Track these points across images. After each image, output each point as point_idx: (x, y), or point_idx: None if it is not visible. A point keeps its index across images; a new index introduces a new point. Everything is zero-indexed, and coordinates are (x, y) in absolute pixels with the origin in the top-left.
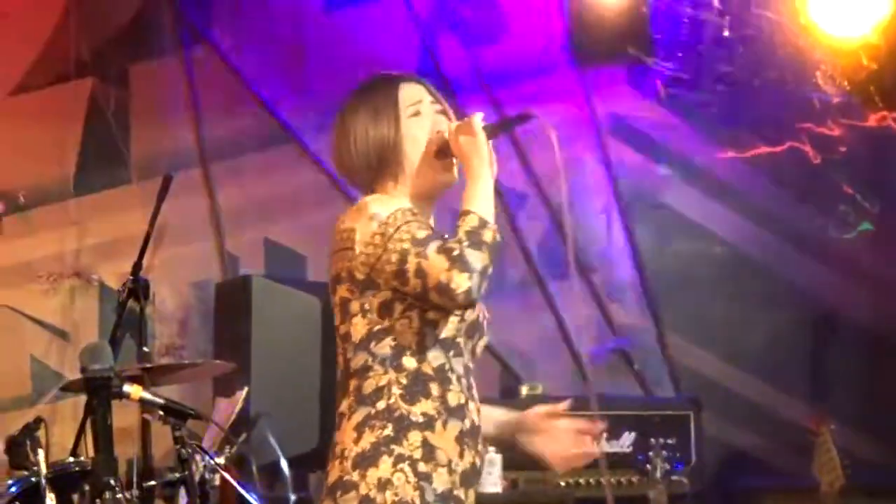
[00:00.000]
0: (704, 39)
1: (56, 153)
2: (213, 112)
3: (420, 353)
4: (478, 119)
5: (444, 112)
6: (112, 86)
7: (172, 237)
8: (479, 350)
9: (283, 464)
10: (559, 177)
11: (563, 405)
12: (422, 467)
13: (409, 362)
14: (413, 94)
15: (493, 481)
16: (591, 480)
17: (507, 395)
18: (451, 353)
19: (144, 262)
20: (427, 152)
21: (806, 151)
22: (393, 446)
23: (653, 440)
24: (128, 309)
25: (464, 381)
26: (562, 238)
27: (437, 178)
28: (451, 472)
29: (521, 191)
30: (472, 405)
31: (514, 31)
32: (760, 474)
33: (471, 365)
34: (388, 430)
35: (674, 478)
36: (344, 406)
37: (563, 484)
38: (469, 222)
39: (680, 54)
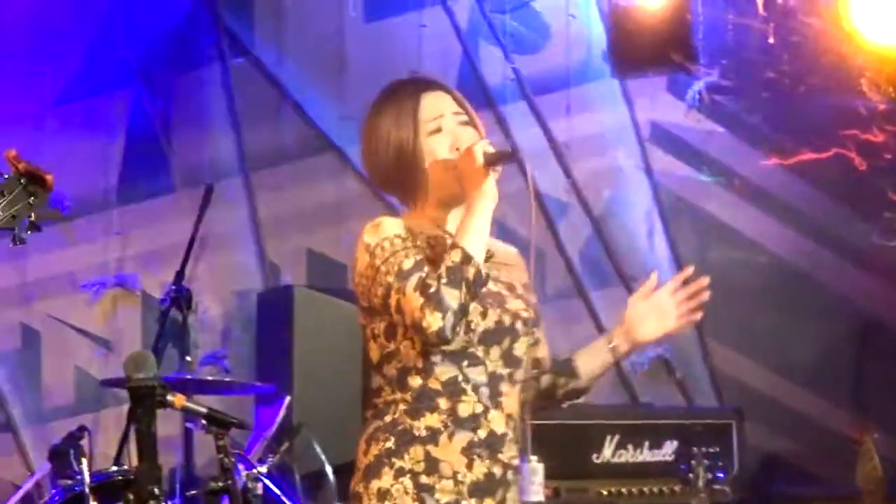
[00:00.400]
0: (749, 46)
1: (99, 163)
2: (254, 122)
3: (426, 370)
4: (479, 148)
5: (469, 122)
6: (154, 96)
7: (214, 246)
8: (519, 351)
9: (329, 471)
10: (532, 214)
11: (651, 280)
12: (423, 479)
13: (415, 381)
14: (435, 107)
15: (535, 490)
16: (634, 490)
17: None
18: (465, 363)
19: (187, 271)
20: (448, 166)
21: (851, 158)
22: (394, 459)
23: (695, 449)
24: (170, 318)
25: (484, 389)
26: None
27: (459, 191)
28: (456, 483)
29: (562, 199)
30: (493, 413)
31: (554, 40)
32: (803, 483)
33: (503, 371)
34: (390, 444)
35: (716, 486)
36: (367, 416)
37: (604, 493)
38: (453, 257)
39: (724, 61)
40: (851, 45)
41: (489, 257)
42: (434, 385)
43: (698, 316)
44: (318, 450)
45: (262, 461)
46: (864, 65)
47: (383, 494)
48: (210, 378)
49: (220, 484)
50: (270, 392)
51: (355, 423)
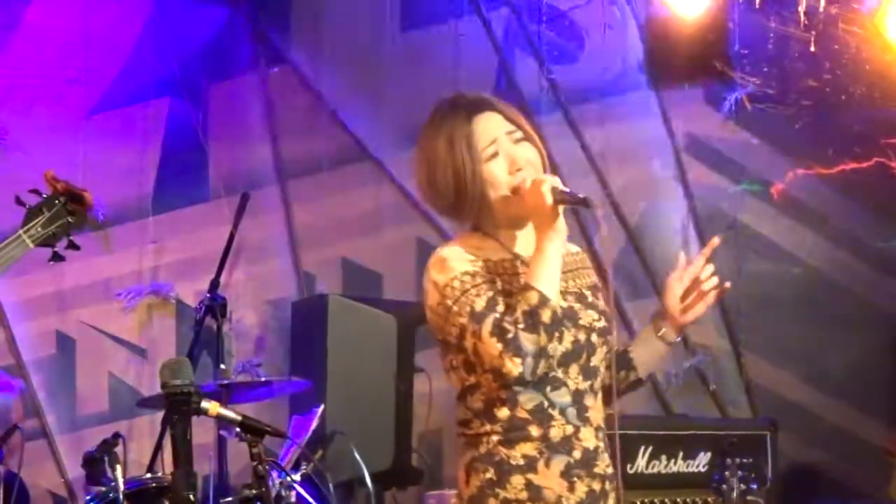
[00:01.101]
0: (790, 55)
1: (135, 172)
2: (290, 131)
3: (511, 401)
4: (547, 187)
5: (525, 138)
6: (191, 104)
7: (249, 255)
8: (596, 361)
9: (367, 479)
10: (607, 263)
11: (681, 261)
12: None
13: (502, 413)
14: (489, 131)
15: None
16: (667, 500)
17: None
18: (548, 388)
19: (222, 279)
20: (512, 197)
21: (891, 168)
22: (498, 490)
23: (729, 460)
24: (205, 326)
25: (571, 410)
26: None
27: (521, 214)
28: None
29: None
30: (584, 431)
31: (590, 50)
32: (837, 495)
33: (584, 385)
34: (490, 474)
35: (750, 498)
36: (459, 443)
37: (638, 503)
38: (528, 300)
39: (765, 69)
40: (891, 55)
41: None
42: (522, 414)
43: (727, 285)
44: (357, 458)
45: (295, 469)
46: None
47: None
48: (245, 380)
49: (254, 491)
50: (304, 388)
51: (388, 432)
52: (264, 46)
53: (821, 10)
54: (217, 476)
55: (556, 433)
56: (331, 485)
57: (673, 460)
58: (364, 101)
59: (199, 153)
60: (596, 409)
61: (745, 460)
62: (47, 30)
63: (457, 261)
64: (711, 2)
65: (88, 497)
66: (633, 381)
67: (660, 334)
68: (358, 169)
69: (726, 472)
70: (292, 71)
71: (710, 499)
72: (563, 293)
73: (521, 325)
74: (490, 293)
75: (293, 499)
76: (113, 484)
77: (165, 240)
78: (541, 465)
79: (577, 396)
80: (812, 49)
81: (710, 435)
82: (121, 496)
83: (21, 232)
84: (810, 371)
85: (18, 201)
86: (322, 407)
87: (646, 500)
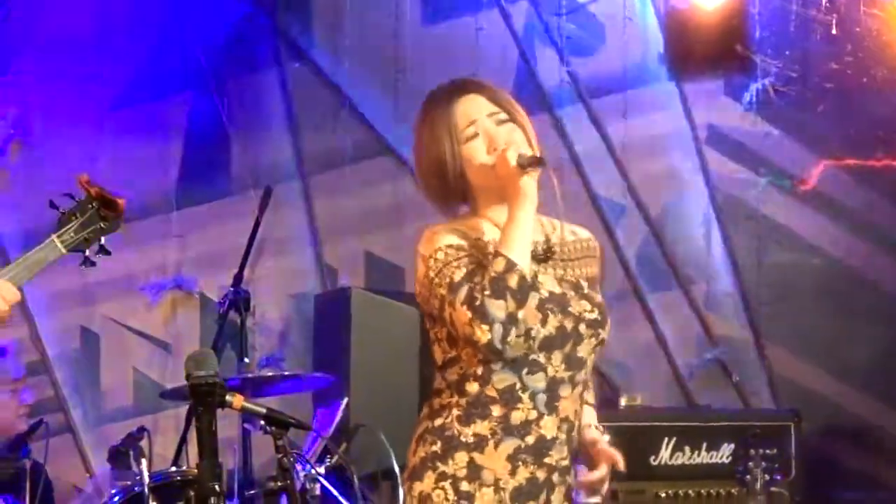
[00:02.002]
0: (812, 38)
1: (158, 166)
2: (312, 125)
3: (484, 377)
4: (512, 153)
5: (508, 119)
6: (213, 100)
7: (272, 249)
8: (583, 352)
9: (396, 469)
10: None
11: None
12: (464, 486)
13: (472, 387)
14: (469, 112)
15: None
16: (691, 492)
17: (605, 405)
18: (525, 371)
19: (245, 273)
20: (488, 170)
21: None
22: (438, 463)
23: (752, 451)
24: (228, 320)
25: (542, 396)
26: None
27: (498, 190)
28: (497, 490)
29: (619, 201)
30: (547, 419)
31: (611, 42)
32: (861, 486)
33: (564, 374)
34: (436, 447)
35: (773, 489)
36: (421, 415)
37: (662, 495)
38: (495, 266)
39: (787, 52)
40: None
41: (551, 254)
42: (490, 392)
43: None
44: (388, 448)
45: (320, 462)
46: None
47: (424, 498)
48: (269, 374)
49: (279, 484)
50: (329, 383)
51: (412, 425)
52: (285, 41)
53: None
54: (241, 469)
55: (517, 416)
56: (355, 477)
57: (696, 452)
58: (384, 96)
59: (222, 148)
60: (570, 399)
61: (768, 451)
62: (69, 26)
63: (443, 234)
64: None
65: (114, 491)
66: None
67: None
68: (379, 163)
69: (750, 463)
70: (313, 66)
71: (733, 490)
72: (560, 280)
73: (487, 293)
74: (471, 266)
75: (318, 491)
76: (138, 477)
77: (189, 234)
78: (489, 445)
79: (553, 384)
80: (834, 32)
81: (734, 426)
82: (146, 489)
83: (54, 237)
84: (833, 362)
85: (52, 205)
86: (346, 400)
87: (669, 492)
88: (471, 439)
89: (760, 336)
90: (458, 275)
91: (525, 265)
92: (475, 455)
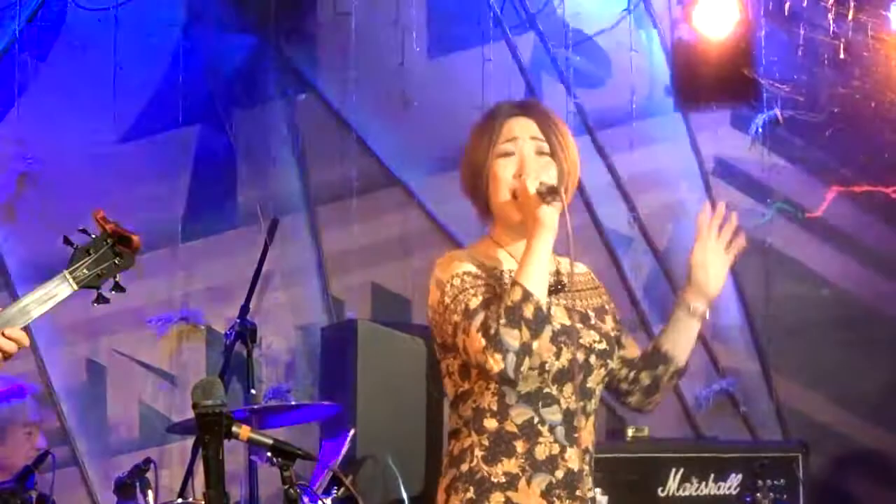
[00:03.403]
0: (819, 62)
1: (165, 199)
2: (318, 157)
3: (501, 412)
4: (532, 182)
5: (549, 153)
6: (219, 132)
7: (279, 281)
8: (592, 383)
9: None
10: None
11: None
12: None
13: (490, 424)
14: (512, 130)
15: None
16: None
17: (612, 437)
18: (540, 404)
19: (251, 305)
20: (508, 195)
21: None
22: None
23: (760, 482)
24: (235, 352)
25: (560, 429)
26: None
27: (522, 213)
28: None
29: (626, 234)
30: (570, 452)
31: (617, 74)
32: None
33: (577, 406)
34: (471, 493)
35: None
36: (444, 462)
37: None
38: (512, 296)
39: (794, 76)
40: None
41: (562, 286)
42: (510, 428)
43: (742, 241)
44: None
45: (327, 493)
46: None
47: None
48: (275, 405)
49: None
50: (336, 413)
51: (419, 456)
52: (292, 73)
53: (849, 17)
54: (248, 501)
55: (541, 451)
56: None
57: (704, 483)
58: (391, 127)
59: (229, 180)
60: (586, 430)
61: (776, 482)
62: (77, 58)
63: (460, 261)
64: (738, 23)
65: None
66: (674, 371)
67: (691, 310)
68: (386, 194)
69: (758, 495)
70: (319, 97)
71: None
72: (570, 311)
73: (502, 321)
74: (487, 295)
75: None
76: None
77: (195, 266)
78: (522, 483)
79: (568, 416)
80: (841, 57)
81: (741, 457)
82: None
83: (66, 272)
84: (841, 393)
85: (67, 241)
86: (353, 431)
87: None
88: (502, 479)
89: (768, 367)
90: (475, 302)
91: (541, 295)
92: (510, 494)
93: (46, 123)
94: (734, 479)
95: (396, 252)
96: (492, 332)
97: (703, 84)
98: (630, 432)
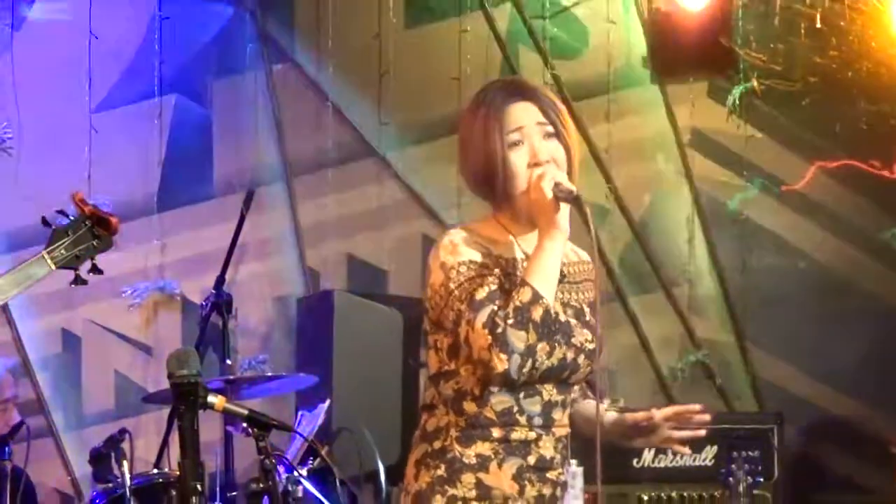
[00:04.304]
0: (796, 31)
1: (140, 169)
2: (295, 128)
3: (482, 398)
4: (548, 183)
5: (555, 134)
6: (196, 102)
7: (255, 252)
8: (574, 379)
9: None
10: (595, 261)
11: (640, 416)
12: None
13: (470, 407)
14: (518, 118)
15: (574, 494)
16: (674, 495)
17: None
18: (522, 395)
19: (227, 276)
20: (523, 189)
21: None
22: (447, 487)
23: (735, 454)
24: (210, 323)
25: (538, 419)
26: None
27: (532, 211)
28: None
29: (602, 205)
30: (545, 440)
31: (594, 45)
32: (844, 489)
33: (557, 399)
34: (441, 471)
35: (756, 491)
36: (416, 435)
37: (645, 498)
38: (521, 297)
39: (771, 45)
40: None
41: (561, 278)
42: (489, 414)
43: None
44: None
45: (302, 464)
46: None
47: None
48: (251, 375)
49: (261, 486)
50: (312, 385)
51: (395, 427)
52: (268, 44)
53: None
54: (224, 472)
55: (517, 436)
56: (338, 480)
57: (679, 454)
58: (368, 98)
59: (205, 150)
60: (562, 421)
61: (751, 454)
62: (52, 28)
63: (468, 247)
64: None
65: (95, 493)
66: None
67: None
68: (363, 166)
69: (733, 466)
70: (296, 68)
71: (716, 492)
72: (565, 305)
73: (510, 321)
74: (493, 286)
75: (300, 493)
76: (119, 480)
77: (171, 237)
78: (493, 465)
79: (547, 407)
80: (818, 26)
81: (717, 429)
82: (127, 492)
83: (44, 252)
84: (816, 365)
85: (44, 222)
86: (328, 402)
87: (653, 494)
88: (473, 460)
89: (744, 339)
90: (481, 293)
91: (550, 298)
92: (481, 476)
93: (21, 93)
94: (709, 451)
95: (373, 223)
96: (498, 331)
97: (680, 55)
98: (605, 404)
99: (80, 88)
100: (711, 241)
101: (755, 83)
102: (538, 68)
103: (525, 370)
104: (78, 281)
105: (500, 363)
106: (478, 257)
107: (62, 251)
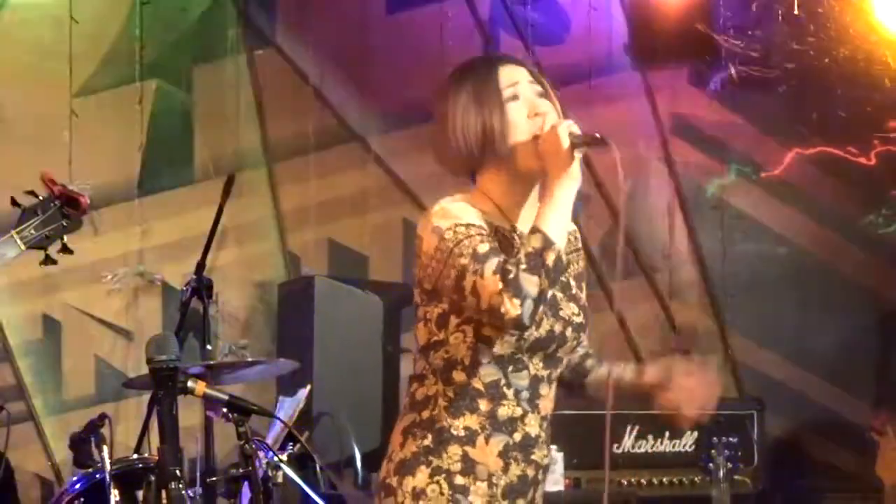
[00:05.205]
0: (774, 17)
1: (120, 154)
2: (276, 113)
3: (472, 367)
4: (564, 130)
5: (544, 94)
6: (176, 87)
7: (236, 237)
8: (562, 353)
9: (358, 459)
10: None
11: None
12: (458, 480)
13: (459, 376)
14: (511, 76)
15: (554, 479)
16: (654, 480)
17: (568, 393)
18: (510, 368)
19: (208, 262)
20: (527, 140)
21: (875, 146)
22: (431, 458)
23: (715, 440)
24: (191, 309)
25: (525, 393)
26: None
27: (537, 166)
28: (491, 485)
29: (584, 191)
30: (531, 417)
31: (575, 31)
32: (824, 475)
33: (543, 373)
34: (428, 441)
35: (736, 477)
36: (404, 403)
37: (625, 483)
38: (532, 242)
39: (749, 32)
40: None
41: None
42: (477, 385)
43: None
44: (351, 438)
45: (282, 449)
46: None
47: (418, 494)
48: (231, 361)
49: (241, 471)
50: (292, 370)
51: (376, 412)
52: (250, 28)
53: None
54: (204, 457)
55: (504, 412)
56: (318, 465)
57: (659, 440)
58: (350, 83)
59: (185, 135)
60: (548, 398)
61: (731, 440)
62: (32, 12)
63: (461, 210)
64: None
65: (75, 478)
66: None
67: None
68: (344, 150)
69: (713, 452)
70: (278, 53)
71: (696, 478)
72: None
73: (523, 266)
74: (494, 243)
75: (280, 479)
76: (99, 465)
77: (151, 222)
78: (480, 440)
79: (534, 382)
80: (796, 12)
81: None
82: (108, 477)
83: (13, 233)
84: (796, 351)
85: (13, 202)
86: (308, 388)
87: (633, 480)
88: (462, 433)
89: (724, 325)
90: (483, 247)
91: (562, 244)
92: (468, 449)
93: (0, 77)
94: (689, 437)
95: (354, 208)
96: (511, 276)
97: (660, 41)
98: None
99: (60, 73)
100: (692, 226)
101: (733, 70)
102: (519, 54)
103: (537, 316)
104: (48, 261)
105: (514, 308)
106: (473, 219)
107: (31, 231)
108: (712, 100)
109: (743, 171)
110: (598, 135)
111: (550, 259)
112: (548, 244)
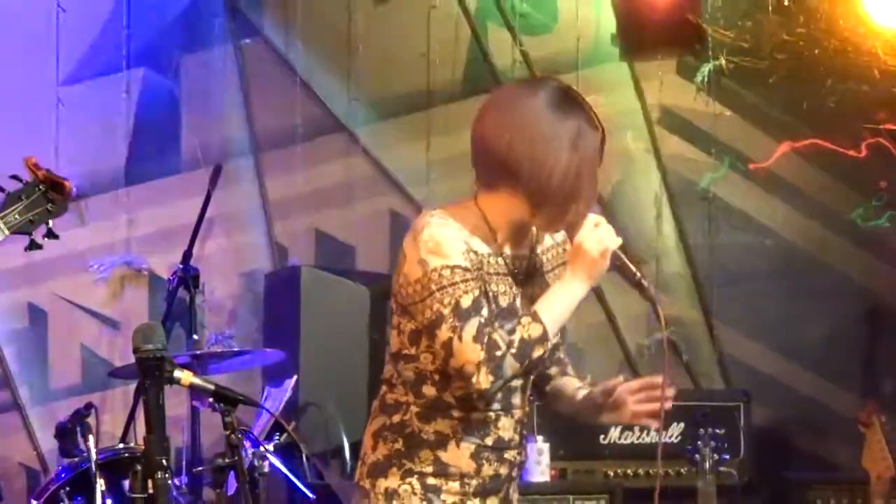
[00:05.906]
0: (764, 8)
1: (108, 143)
2: (263, 102)
3: (442, 383)
4: (614, 245)
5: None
6: (164, 76)
7: (223, 227)
8: (534, 366)
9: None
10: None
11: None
12: (431, 481)
13: (430, 391)
14: (598, 147)
15: (540, 470)
16: (640, 471)
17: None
18: None
19: (194, 251)
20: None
21: (864, 138)
22: (404, 461)
23: (702, 431)
24: (178, 298)
25: (497, 403)
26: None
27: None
28: (463, 484)
29: None
30: (504, 421)
31: (563, 22)
32: (810, 466)
33: (517, 384)
34: (399, 445)
35: (722, 469)
36: (374, 405)
37: (611, 474)
38: (531, 331)
39: (739, 23)
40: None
41: (533, 271)
42: (448, 398)
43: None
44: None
45: (269, 439)
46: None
47: (391, 495)
48: (218, 350)
49: (227, 461)
50: (278, 360)
51: (361, 403)
52: (237, 18)
53: None
54: (190, 447)
55: (477, 416)
56: (305, 455)
57: (646, 431)
58: (337, 73)
59: (173, 125)
60: (521, 407)
61: (718, 431)
62: (19, 0)
63: (451, 247)
64: None
65: (61, 467)
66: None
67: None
68: (331, 141)
69: (699, 443)
70: (265, 42)
71: (682, 469)
72: (531, 300)
73: (513, 351)
74: (476, 292)
75: (266, 469)
76: (85, 454)
77: (138, 211)
78: (452, 444)
79: (507, 392)
80: (786, 3)
81: (683, 406)
82: (93, 466)
83: None
84: (783, 342)
85: None
86: (295, 378)
87: (619, 471)
88: (432, 437)
89: (711, 316)
90: (466, 301)
91: (554, 338)
92: (439, 453)
93: None
94: (675, 428)
95: (341, 199)
96: (498, 353)
97: (648, 32)
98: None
99: (47, 61)
100: (679, 218)
101: (723, 61)
102: (507, 45)
103: (498, 395)
104: (33, 246)
105: (486, 383)
106: (461, 260)
107: (16, 216)
108: (700, 91)
109: (731, 162)
110: (638, 275)
111: (538, 353)
112: (543, 339)
